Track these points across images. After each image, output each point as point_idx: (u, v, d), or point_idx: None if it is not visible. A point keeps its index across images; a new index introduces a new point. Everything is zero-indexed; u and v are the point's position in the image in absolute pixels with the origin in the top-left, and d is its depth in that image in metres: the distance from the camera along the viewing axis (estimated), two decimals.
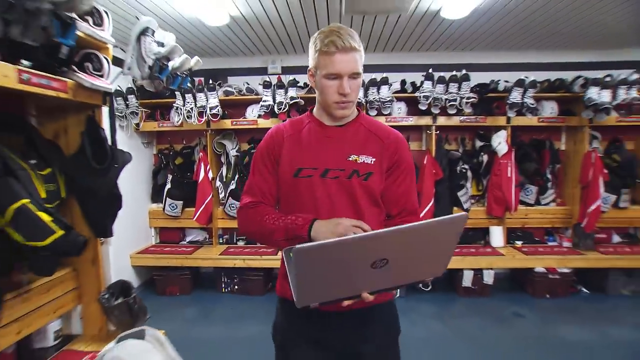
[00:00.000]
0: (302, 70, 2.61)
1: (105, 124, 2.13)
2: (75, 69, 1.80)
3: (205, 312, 4.00)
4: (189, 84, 2.90)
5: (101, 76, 1.94)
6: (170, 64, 1.99)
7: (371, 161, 1.33)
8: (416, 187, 1.47)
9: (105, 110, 2.11)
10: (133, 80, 4.09)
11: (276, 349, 1.48)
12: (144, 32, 1.88)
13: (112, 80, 1.99)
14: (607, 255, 4.13)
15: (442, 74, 4.09)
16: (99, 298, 2.20)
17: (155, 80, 1.94)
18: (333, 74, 1.25)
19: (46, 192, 1.80)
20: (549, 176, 4.56)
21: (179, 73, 2.17)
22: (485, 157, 4.47)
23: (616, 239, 4.59)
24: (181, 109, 4.11)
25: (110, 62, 1.98)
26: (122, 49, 2.91)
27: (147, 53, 1.86)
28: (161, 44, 1.92)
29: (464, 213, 1.03)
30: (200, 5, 3.05)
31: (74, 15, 1.63)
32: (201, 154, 4.43)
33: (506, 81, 4.18)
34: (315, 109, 1.44)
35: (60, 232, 1.60)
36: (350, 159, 1.32)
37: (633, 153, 4.47)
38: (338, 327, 1.35)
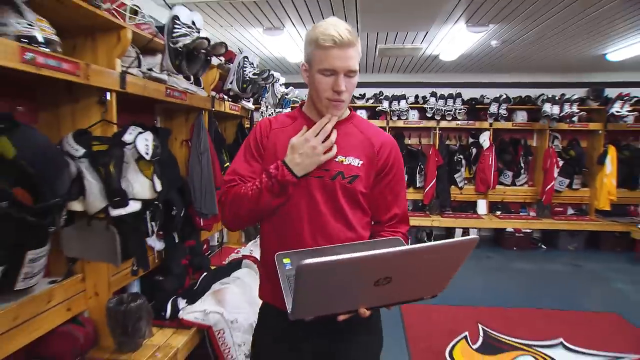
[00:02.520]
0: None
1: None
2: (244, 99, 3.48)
3: None
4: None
5: (249, 101, 3.63)
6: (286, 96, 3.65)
7: (358, 163, 1.23)
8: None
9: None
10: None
11: (251, 350, 1.43)
12: (276, 81, 3.54)
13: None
14: (557, 221, 5.63)
15: (442, 90, 5.65)
16: None
17: (278, 104, 3.61)
18: (328, 70, 1.15)
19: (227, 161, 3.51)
20: (522, 165, 6.04)
21: (287, 98, 3.86)
22: (474, 150, 6.00)
23: (570, 211, 6.06)
24: (265, 113, 5.79)
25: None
26: None
27: (277, 92, 3.52)
28: (284, 85, 3.58)
29: (475, 237, 0.97)
30: (286, 49, 4.71)
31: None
32: None
33: (487, 97, 5.71)
34: (305, 106, 1.33)
35: None
36: (337, 160, 1.23)
37: (585, 150, 5.92)
38: (319, 333, 1.23)
